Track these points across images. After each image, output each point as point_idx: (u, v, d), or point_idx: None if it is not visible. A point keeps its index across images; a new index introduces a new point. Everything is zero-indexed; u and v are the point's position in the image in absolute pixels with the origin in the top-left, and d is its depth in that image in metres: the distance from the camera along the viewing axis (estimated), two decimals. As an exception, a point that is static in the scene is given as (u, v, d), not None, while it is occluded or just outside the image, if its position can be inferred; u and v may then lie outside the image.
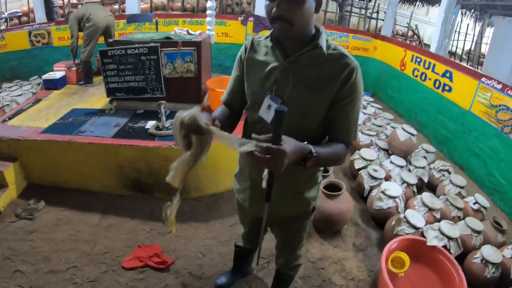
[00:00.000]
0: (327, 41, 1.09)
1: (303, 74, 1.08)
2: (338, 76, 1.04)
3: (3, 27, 6.90)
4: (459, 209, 2.56)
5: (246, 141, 0.85)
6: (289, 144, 0.88)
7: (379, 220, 2.61)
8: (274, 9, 0.96)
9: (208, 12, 3.06)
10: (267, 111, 1.12)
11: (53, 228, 2.41)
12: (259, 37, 1.20)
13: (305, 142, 0.97)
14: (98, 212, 2.56)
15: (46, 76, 3.73)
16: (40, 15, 5.77)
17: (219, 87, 2.98)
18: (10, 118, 3.01)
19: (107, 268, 2.09)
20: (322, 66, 1.06)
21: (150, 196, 2.72)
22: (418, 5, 7.42)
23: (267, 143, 0.85)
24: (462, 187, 2.88)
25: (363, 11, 7.07)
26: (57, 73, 3.72)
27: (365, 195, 2.88)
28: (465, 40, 7.41)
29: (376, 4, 7.16)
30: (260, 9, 5.62)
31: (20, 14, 7.29)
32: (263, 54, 1.16)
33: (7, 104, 4.39)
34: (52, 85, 3.67)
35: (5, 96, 4.64)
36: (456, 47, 7.43)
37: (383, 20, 6.29)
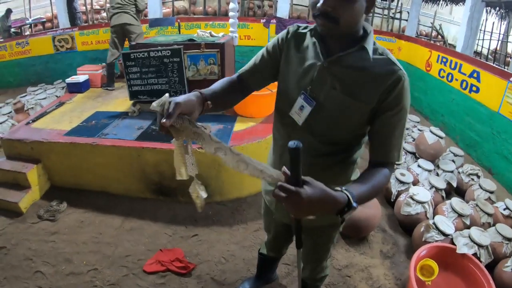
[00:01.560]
0: (374, 43, 0.97)
1: (343, 77, 0.96)
2: (382, 84, 0.93)
3: (27, 32, 7.14)
4: (489, 215, 2.48)
5: (238, 155, 0.78)
6: (313, 189, 0.75)
7: (407, 226, 2.52)
8: (320, 3, 0.86)
9: (230, 14, 3.03)
10: (299, 113, 1.04)
11: (74, 229, 2.43)
12: (304, 27, 1.08)
13: (343, 188, 0.81)
14: (120, 215, 2.56)
15: (69, 79, 3.79)
16: (63, 21, 5.92)
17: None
18: (34, 121, 3.06)
19: (128, 272, 2.08)
20: (365, 71, 0.94)
21: (173, 200, 2.69)
22: (441, 4, 7.22)
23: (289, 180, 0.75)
24: (491, 192, 2.78)
25: (385, 12, 6.94)
26: (80, 77, 3.78)
27: (392, 200, 2.78)
28: (490, 39, 7.17)
29: (399, 4, 7.01)
30: (282, 11, 5.60)
31: (44, 20, 7.53)
32: (303, 48, 1.05)
33: (32, 107, 4.51)
34: (75, 88, 3.74)
35: (30, 99, 4.76)
36: (482, 47, 7.19)
37: (406, 20, 6.15)
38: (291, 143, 0.73)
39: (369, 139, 1.02)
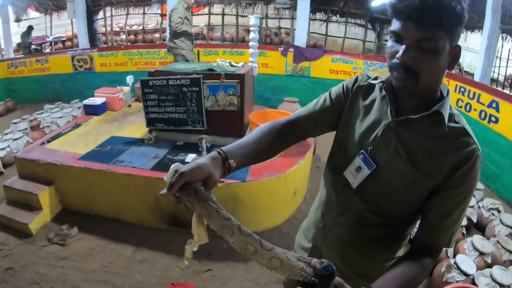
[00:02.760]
0: (450, 108, 0.85)
1: (411, 143, 0.85)
2: (454, 158, 0.81)
3: (47, 50, 7.34)
4: (510, 252, 2.41)
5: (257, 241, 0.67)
6: None
7: (427, 266, 2.44)
8: (400, 53, 0.76)
9: (251, 43, 3.05)
10: (354, 174, 0.92)
11: (84, 256, 2.39)
12: (374, 78, 0.98)
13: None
14: (132, 244, 2.52)
15: (86, 101, 3.83)
16: (83, 41, 6.07)
17: (261, 121, 2.91)
18: (49, 141, 3.08)
19: (139, 306, 2.02)
20: (437, 140, 0.83)
21: (187, 232, 2.60)
22: (456, 31, 7.26)
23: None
24: (513, 227, 2.69)
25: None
26: (97, 99, 3.81)
27: (411, 238, 2.69)
28: (507, 66, 7.08)
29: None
30: (300, 39, 5.63)
31: (64, 39, 7.74)
32: (370, 100, 0.94)
33: (48, 126, 4.57)
34: (92, 110, 3.77)
35: (46, 117, 4.84)
36: (498, 74, 7.11)
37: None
38: (324, 266, 0.62)
39: (422, 214, 0.90)
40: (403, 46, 0.76)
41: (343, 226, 0.99)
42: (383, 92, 0.91)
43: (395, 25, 0.77)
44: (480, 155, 0.82)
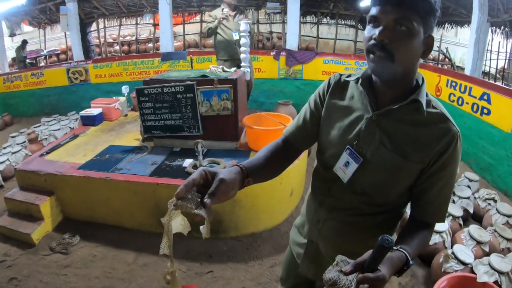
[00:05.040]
0: (426, 95, 0.90)
1: (394, 132, 0.89)
2: (436, 143, 0.86)
3: (42, 64, 7.38)
4: (508, 240, 2.43)
5: None
6: (387, 264, 0.74)
7: (425, 257, 2.46)
8: (376, 33, 0.80)
9: (242, 49, 3.11)
10: (344, 169, 0.95)
11: (87, 264, 2.41)
12: (347, 75, 1.01)
13: (400, 247, 0.81)
14: (134, 250, 2.54)
15: (83, 112, 3.86)
16: (77, 53, 6.10)
17: (256, 124, 2.98)
18: (48, 153, 3.10)
19: (143, 310, 2.05)
20: (418, 126, 0.87)
21: (187, 236, 2.64)
22: (447, 27, 7.29)
23: (355, 270, 0.72)
24: (509, 216, 2.72)
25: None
26: (94, 110, 3.85)
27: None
28: (497, 59, 7.17)
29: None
30: (291, 43, 5.69)
31: (59, 52, 7.79)
32: (348, 98, 0.98)
33: (45, 138, 4.60)
34: (89, 121, 3.80)
35: (43, 130, 4.87)
36: (490, 67, 7.20)
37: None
38: (383, 240, 0.67)
39: (413, 195, 0.94)
40: (380, 27, 0.80)
41: (337, 219, 1.02)
42: (361, 88, 0.94)
43: (373, 10, 0.82)
44: (459, 136, 0.88)
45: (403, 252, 0.80)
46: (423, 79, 0.91)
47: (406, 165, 0.88)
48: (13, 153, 4.04)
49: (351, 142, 0.94)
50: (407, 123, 0.88)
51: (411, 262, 0.80)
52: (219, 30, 4.15)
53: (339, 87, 1.01)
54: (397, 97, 0.88)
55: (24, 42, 7.23)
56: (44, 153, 3.10)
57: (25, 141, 4.46)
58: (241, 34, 3.12)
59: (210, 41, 7.59)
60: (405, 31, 0.78)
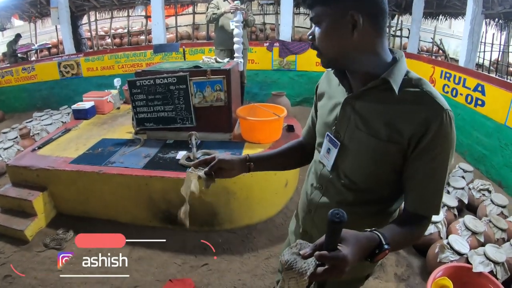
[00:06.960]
0: (408, 73, 0.84)
1: (367, 114, 0.86)
2: (414, 123, 0.79)
3: (33, 58, 7.26)
4: (502, 230, 2.46)
5: None
6: (350, 243, 0.67)
7: (421, 247, 2.48)
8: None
9: (235, 39, 3.07)
10: (327, 156, 0.95)
11: (81, 259, 2.37)
12: None
13: (373, 229, 0.75)
14: (128, 244, 2.51)
15: (75, 106, 3.81)
16: (69, 47, 6.02)
17: (249, 115, 2.95)
18: (39, 148, 3.05)
19: (138, 304, 2.03)
20: (393, 106, 0.82)
21: (182, 228, 2.63)
22: (441, 19, 7.29)
23: (315, 250, 0.67)
24: (504, 207, 2.76)
25: (386, 30, 7.00)
26: (86, 103, 3.79)
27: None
28: (491, 51, 7.19)
29: (399, 22, 7.06)
30: (284, 34, 5.67)
31: (50, 45, 7.65)
32: (335, 85, 0.98)
33: (38, 133, 4.54)
34: (81, 115, 3.75)
35: (35, 125, 4.80)
36: (483, 59, 7.22)
37: (407, 37, 6.18)
38: (333, 214, 0.62)
39: (403, 185, 0.88)
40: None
41: (328, 208, 0.99)
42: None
43: None
44: (448, 115, 0.79)
45: (375, 233, 0.73)
46: (399, 58, 0.85)
47: (381, 146, 0.84)
48: (5, 149, 3.99)
49: (330, 128, 0.96)
50: (381, 103, 0.84)
51: (385, 246, 0.71)
52: (221, 19, 4.06)
53: (326, 78, 1.05)
54: (368, 79, 0.85)
55: (18, 36, 7.08)
56: (36, 148, 3.05)
57: (17, 137, 4.40)
58: (235, 24, 3.07)
59: (203, 33, 7.55)
60: (320, 25, 0.83)
